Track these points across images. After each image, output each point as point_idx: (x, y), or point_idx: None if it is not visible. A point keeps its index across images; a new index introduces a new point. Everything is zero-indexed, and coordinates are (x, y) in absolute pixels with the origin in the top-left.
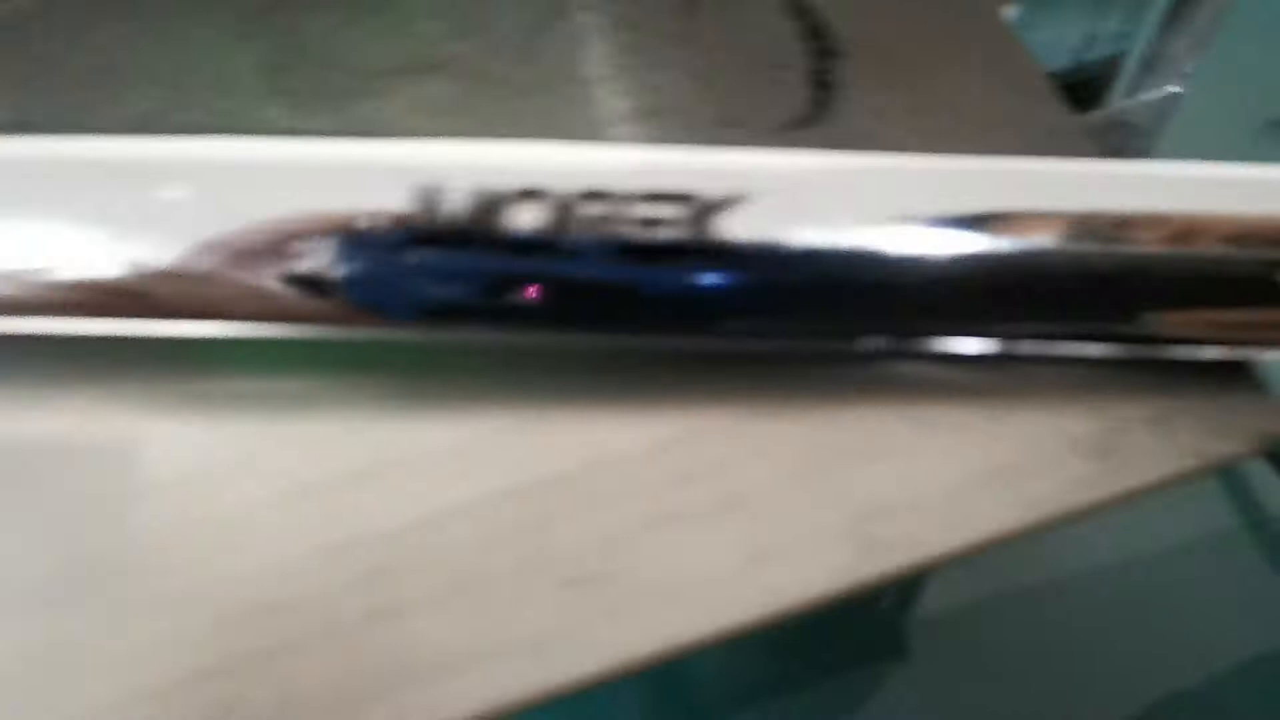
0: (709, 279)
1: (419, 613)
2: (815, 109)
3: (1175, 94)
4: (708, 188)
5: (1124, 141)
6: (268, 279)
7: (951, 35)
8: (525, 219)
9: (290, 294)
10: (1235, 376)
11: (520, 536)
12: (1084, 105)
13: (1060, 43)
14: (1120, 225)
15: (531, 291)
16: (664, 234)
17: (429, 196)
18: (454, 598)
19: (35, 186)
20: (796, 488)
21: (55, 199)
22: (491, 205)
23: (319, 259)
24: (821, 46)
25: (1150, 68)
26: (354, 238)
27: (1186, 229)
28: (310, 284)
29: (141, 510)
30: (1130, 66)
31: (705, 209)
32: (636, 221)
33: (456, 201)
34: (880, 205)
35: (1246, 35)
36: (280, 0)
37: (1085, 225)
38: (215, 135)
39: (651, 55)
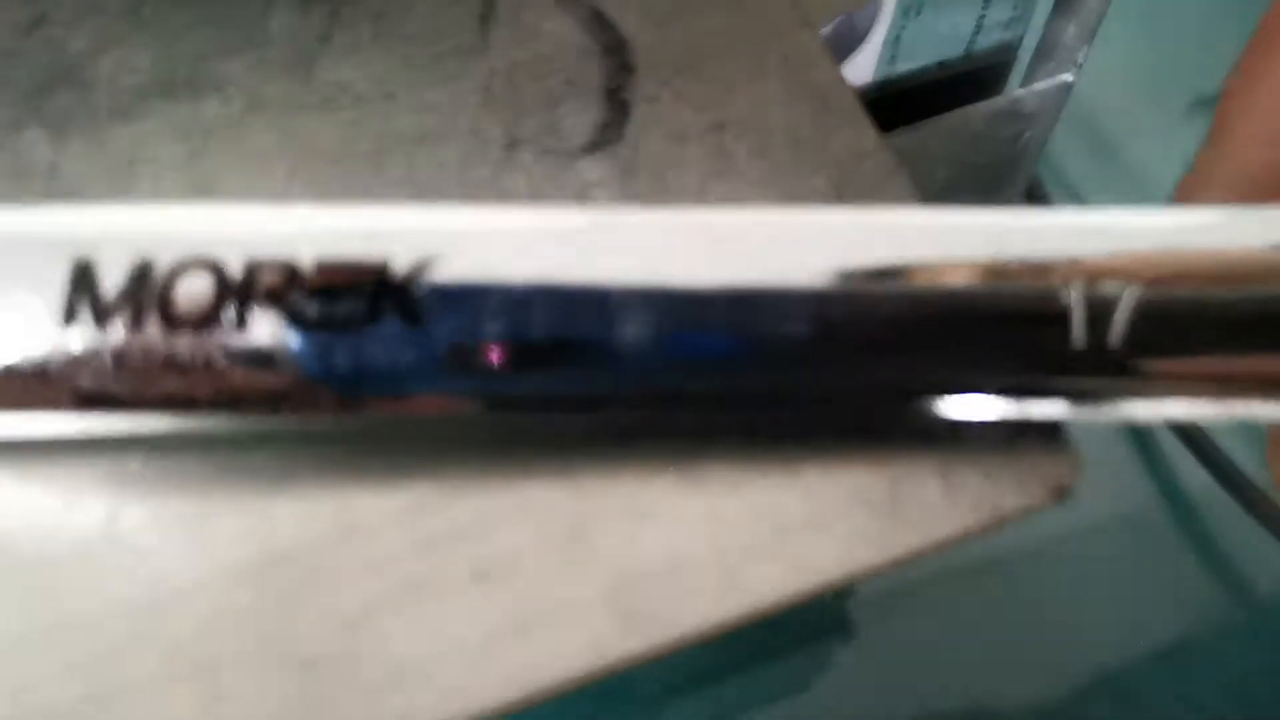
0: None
1: (137, 703)
2: (610, 130)
3: (1068, 82)
4: (395, 252)
5: (1020, 130)
6: None
7: (757, 50)
8: (189, 294)
9: None
10: (1027, 426)
11: (257, 615)
12: (978, 94)
13: (953, 30)
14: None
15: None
16: (343, 307)
17: (81, 273)
18: (181, 683)
19: None
20: (556, 554)
21: None
22: (152, 279)
23: None
24: (619, 62)
25: (1044, 55)
26: None
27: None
28: None
29: None
30: (1024, 54)
31: (391, 276)
32: (314, 292)
33: (112, 277)
34: (591, 265)
35: (1146, 15)
36: (47, 14)
37: None
38: None
39: (436, 71)
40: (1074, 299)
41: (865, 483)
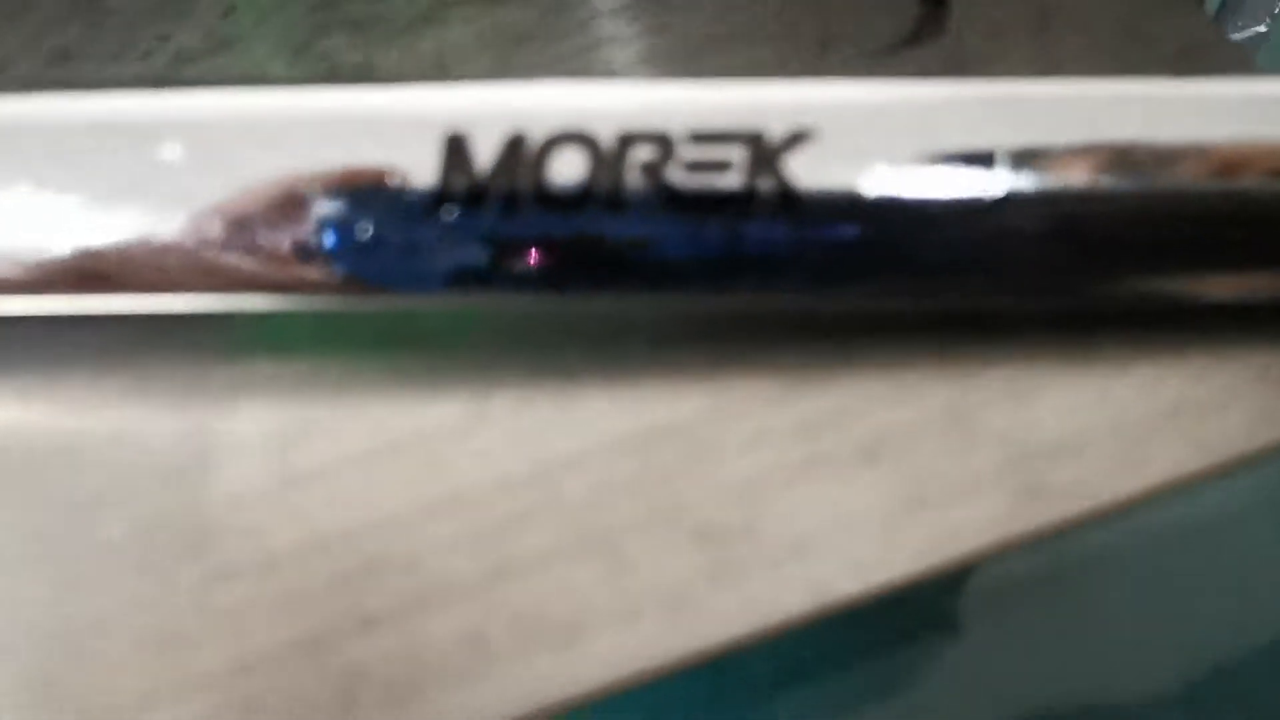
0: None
1: (544, 570)
2: (927, 25)
3: (1261, 34)
4: (769, 125)
5: None
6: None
7: None
8: (563, 168)
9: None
10: None
11: (643, 489)
12: None
13: None
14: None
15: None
16: (721, 181)
17: (455, 147)
18: (579, 553)
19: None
20: (944, 431)
21: (34, 163)
22: (524, 153)
23: (313, 226)
24: None
25: (1234, 7)
26: (361, 198)
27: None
28: (306, 253)
29: (212, 481)
30: (1211, 4)
31: (767, 150)
32: (689, 165)
33: (485, 152)
34: (961, 138)
35: None
36: None
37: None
38: (219, 86)
39: None
40: None
41: (1261, 362)
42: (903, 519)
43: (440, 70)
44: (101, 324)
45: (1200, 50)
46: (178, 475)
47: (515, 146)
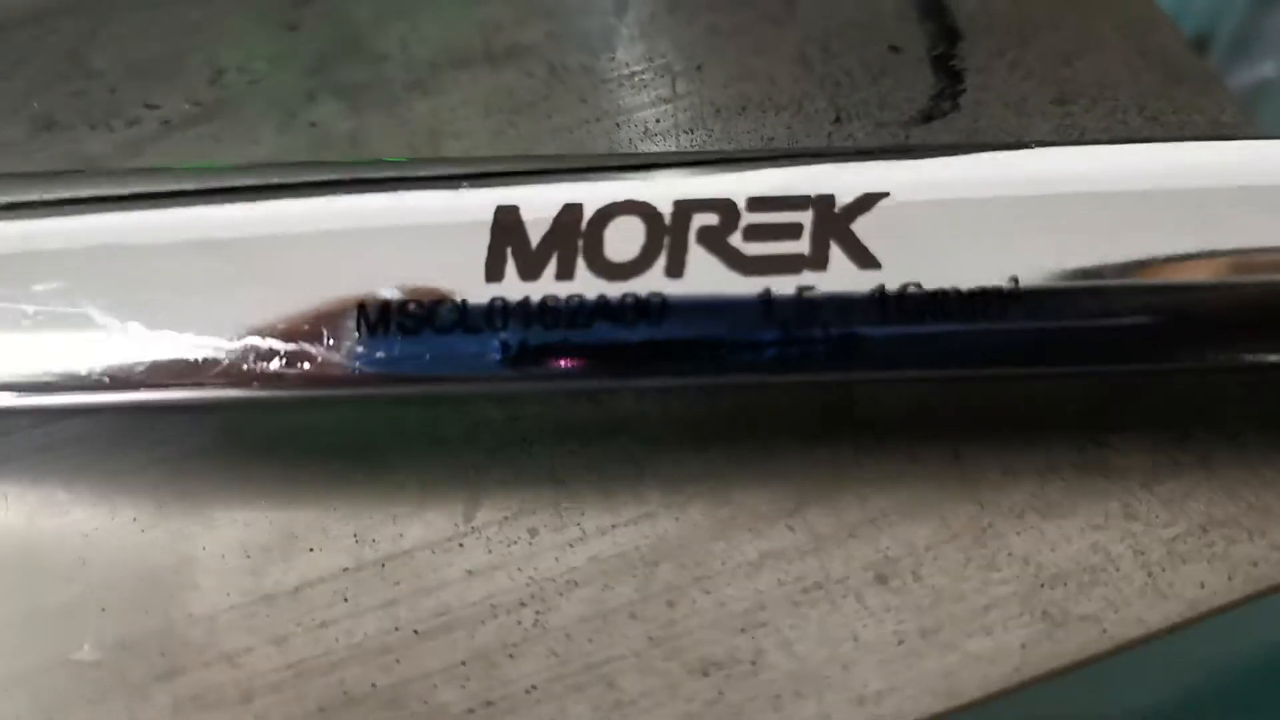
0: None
1: (534, 705)
2: (944, 100)
3: (1270, 79)
4: (838, 189)
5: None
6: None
7: (1090, 16)
8: (621, 238)
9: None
10: None
11: (641, 614)
12: None
13: None
14: None
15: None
16: (786, 246)
17: (505, 217)
18: (572, 687)
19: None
20: (960, 551)
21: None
22: (579, 225)
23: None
24: (942, 26)
25: (1243, 48)
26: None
27: None
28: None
29: (187, 596)
30: (1219, 46)
31: (837, 213)
32: (752, 231)
33: (538, 227)
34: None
35: None
36: None
37: None
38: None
39: (746, 39)
40: None
41: None
42: (917, 651)
43: (434, 141)
44: (76, 420)
45: (1225, 131)
46: (151, 589)
47: (569, 216)
